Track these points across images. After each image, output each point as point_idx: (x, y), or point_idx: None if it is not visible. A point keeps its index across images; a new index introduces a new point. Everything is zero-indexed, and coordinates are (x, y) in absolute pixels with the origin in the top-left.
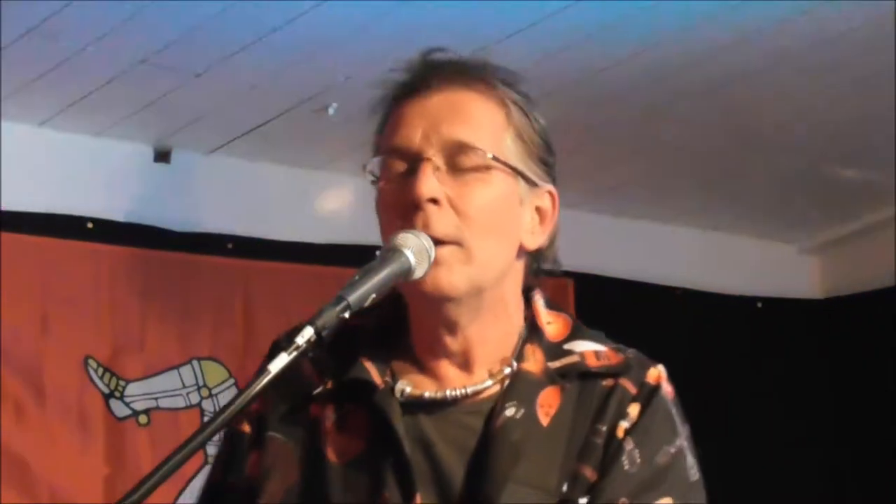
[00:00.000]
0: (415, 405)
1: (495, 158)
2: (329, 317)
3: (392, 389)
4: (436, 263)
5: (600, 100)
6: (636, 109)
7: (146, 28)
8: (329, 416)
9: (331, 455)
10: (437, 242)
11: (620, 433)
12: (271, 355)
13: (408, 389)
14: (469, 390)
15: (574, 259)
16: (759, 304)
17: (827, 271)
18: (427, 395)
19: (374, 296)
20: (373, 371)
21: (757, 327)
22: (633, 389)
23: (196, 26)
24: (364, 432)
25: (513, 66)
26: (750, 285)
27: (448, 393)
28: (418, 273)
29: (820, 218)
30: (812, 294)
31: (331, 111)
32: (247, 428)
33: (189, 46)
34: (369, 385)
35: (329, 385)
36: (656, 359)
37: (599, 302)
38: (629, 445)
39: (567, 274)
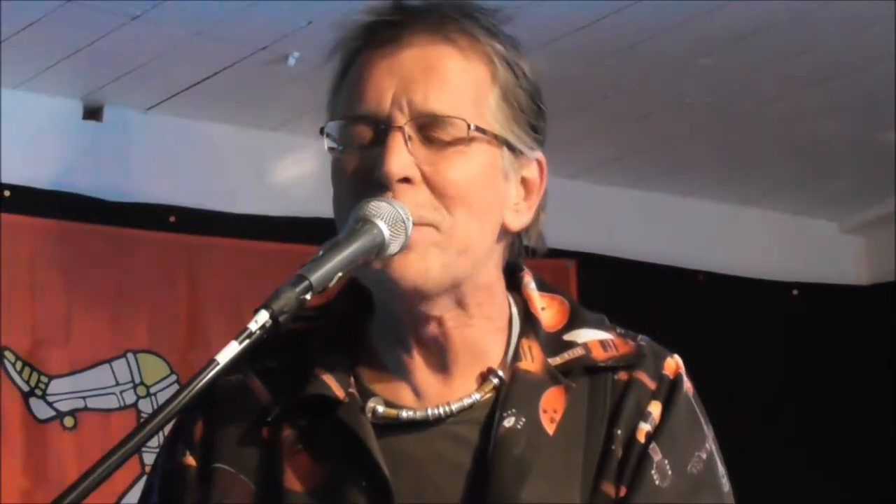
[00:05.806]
0: (390, 426)
1: (478, 129)
2: (287, 299)
3: (358, 400)
4: (407, 248)
5: (604, 51)
6: (648, 62)
7: None
8: (285, 438)
9: (291, 483)
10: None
11: (642, 437)
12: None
13: (380, 409)
14: (454, 407)
15: (576, 238)
16: (795, 291)
17: (873, 253)
18: (404, 415)
19: (340, 274)
20: (332, 383)
21: (792, 317)
22: (651, 384)
23: None
24: (329, 453)
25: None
26: (784, 269)
27: (430, 412)
28: (393, 248)
29: (866, 192)
30: (856, 280)
31: (291, 62)
32: (191, 461)
33: None
34: (329, 401)
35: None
36: (674, 353)
37: (606, 287)
38: (657, 456)
39: (568, 254)
